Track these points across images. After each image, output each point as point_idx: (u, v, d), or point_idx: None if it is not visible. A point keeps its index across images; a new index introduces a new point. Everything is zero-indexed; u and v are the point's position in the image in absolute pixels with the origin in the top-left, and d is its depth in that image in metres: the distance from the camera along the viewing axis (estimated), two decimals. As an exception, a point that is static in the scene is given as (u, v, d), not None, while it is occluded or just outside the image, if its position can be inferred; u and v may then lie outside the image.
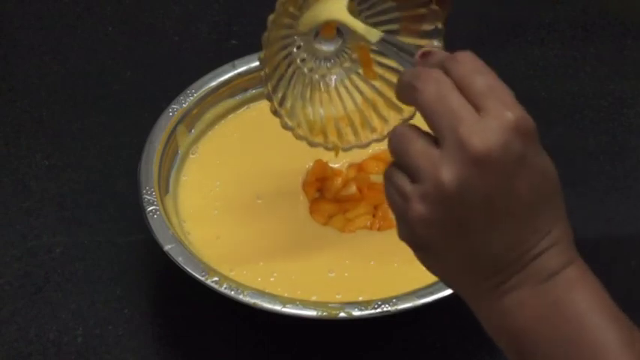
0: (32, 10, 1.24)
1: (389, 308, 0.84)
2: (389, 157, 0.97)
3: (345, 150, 0.81)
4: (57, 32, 1.22)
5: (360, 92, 0.80)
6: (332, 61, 0.79)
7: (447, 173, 0.58)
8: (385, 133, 0.80)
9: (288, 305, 0.84)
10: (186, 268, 0.87)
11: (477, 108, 0.58)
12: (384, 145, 0.98)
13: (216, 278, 0.86)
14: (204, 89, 1.01)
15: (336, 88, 0.80)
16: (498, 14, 1.22)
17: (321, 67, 0.79)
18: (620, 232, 1.00)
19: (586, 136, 1.09)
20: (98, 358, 0.91)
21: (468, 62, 0.60)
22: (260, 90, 1.02)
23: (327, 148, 0.81)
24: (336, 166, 0.99)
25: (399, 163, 0.61)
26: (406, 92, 0.61)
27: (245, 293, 0.85)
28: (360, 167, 0.98)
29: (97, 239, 1.00)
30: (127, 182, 0.99)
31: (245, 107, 1.03)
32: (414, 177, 0.59)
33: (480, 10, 1.22)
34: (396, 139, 0.61)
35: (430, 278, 0.77)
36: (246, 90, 1.03)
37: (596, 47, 1.19)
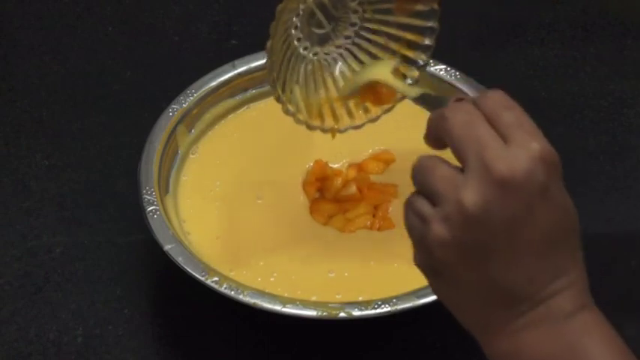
0: (32, 10, 1.24)
1: (389, 308, 0.84)
2: (389, 157, 0.99)
3: (342, 132, 0.82)
4: (57, 32, 1.22)
5: (353, 72, 0.81)
6: (325, 42, 0.80)
7: (470, 195, 0.58)
8: (379, 114, 0.81)
9: (288, 305, 0.84)
10: (186, 268, 0.87)
11: (504, 138, 0.59)
12: (384, 146, 0.99)
13: (216, 278, 0.86)
14: (204, 89, 1.01)
15: (329, 68, 0.81)
16: (498, 14, 1.22)
17: (315, 47, 0.80)
18: (620, 232, 1.00)
19: (586, 136, 1.09)
20: (98, 358, 0.91)
21: (497, 98, 0.61)
22: (260, 90, 1.02)
23: (324, 131, 0.82)
24: (336, 166, 0.99)
25: (421, 189, 0.61)
26: (435, 122, 0.61)
27: (245, 293, 0.85)
28: (360, 167, 0.98)
29: (97, 239, 1.00)
30: (127, 182, 0.99)
31: (245, 107, 1.03)
32: (435, 201, 0.60)
33: (480, 10, 1.22)
34: (418, 168, 0.61)
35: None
36: (246, 90, 1.03)
37: (596, 47, 1.19)
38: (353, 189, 0.96)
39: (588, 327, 0.60)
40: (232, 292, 0.85)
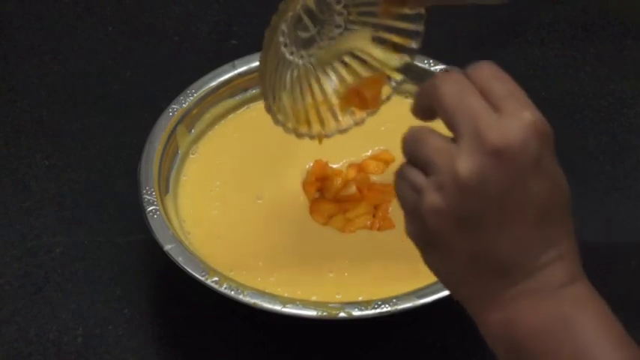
0: (32, 10, 1.24)
1: (389, 308, 0.84)
2: (389, 157, 0.99)
3: (329, 137, 0.82)
4: (57, 32, 1.22)
5: (337, 74, 0.81)
6: (310, 45, 0.80)
7: (464, 164, 0.58)
8: (364, 117, 0.81)
9: (288, 305, 0.84)
10: (186, 268, 0.87)
11: (496, 109, 0.59)
12: (384, 145, 0.99)
13: (216, 278, 0.86)
14: (204, 89, 1.01)
15: (314, 71, 0.81)
16: (498, 14, 1.22)
17: (300, 51, 0.80)
18: (620, 232, 1.00)
19: (586, 136, 1.09)
20: (98, 358, 0.91)
21: (488, 69, 0.61)
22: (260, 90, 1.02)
23: (311, 138, 0.81)
24: (336, 166, 0.99)
25: (413, 160, 0.61)
26: (426, 91, 0.61)
27: (245, 293, 0.85)
28: (360, 167, 0.98)
29: (97, 239, 1.00)
30: (127, 182, 0.99)
31: (245, 107, 1.03)
32: (428, 171, 0.60)
33: (480, 10, 1.22)
34: (410, 138, 0.61)
35: (430, 278, 0.76)
36: (246, 90, 1.03)
37: (596, 47, 1.19)
38: (353, 189, 0.96)
39: (580, 299, 0.60)
40: (232, 292, 0.85)
